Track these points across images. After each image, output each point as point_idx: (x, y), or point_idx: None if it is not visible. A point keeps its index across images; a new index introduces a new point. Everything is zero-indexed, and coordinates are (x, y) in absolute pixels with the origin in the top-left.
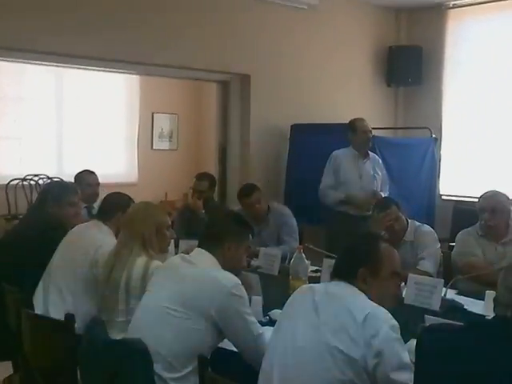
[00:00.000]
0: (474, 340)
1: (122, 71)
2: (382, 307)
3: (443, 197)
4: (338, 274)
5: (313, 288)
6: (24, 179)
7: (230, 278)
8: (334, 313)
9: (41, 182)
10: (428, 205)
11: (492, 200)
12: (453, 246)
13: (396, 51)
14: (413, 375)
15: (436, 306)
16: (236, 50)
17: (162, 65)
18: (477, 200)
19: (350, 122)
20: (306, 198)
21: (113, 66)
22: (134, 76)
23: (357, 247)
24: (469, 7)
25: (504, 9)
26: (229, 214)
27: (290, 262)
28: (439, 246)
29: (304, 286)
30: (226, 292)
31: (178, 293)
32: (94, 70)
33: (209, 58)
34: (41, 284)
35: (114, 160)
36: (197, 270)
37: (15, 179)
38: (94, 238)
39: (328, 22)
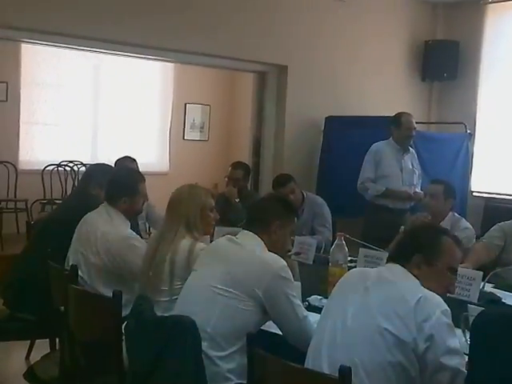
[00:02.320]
0: None
1: (159, 58)
2: (433, 292)
3: (474, 193)
4: (393, 257)
5: (365, 272)
6: (59, 165)
7: (277, 260)
8: (385, 296)
9: (75, 168)
10: (460, 201)
11: None
12: None
13: (432, 46)
14: (463, 360)
15: (474, 298)
16: (274, 41)
17: (200, 53)
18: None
19: (395, 115)
20: (339, 190)
21: (150, 53)
22: (169, 66)
23: (418, 233)
24: (508, 2)
25: None
26: (274, 197)
27: (323, 251)
28: (474, 242)
29: (356, 269)
30: (273, 273)
31: (225, 273)
32: (130, 56)
33: (247, 48)
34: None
35: (147, 149)
36: (244, 251)
37: (51, 165)
38: (100, 230)
39: (365, 14)
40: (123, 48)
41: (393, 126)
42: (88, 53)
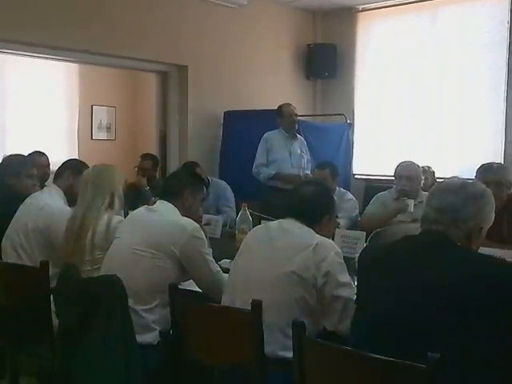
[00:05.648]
0: (407, 249)
1: (62, 58)
2: (327, 238)
3: (356, 176)
4: (299, 218)
5: (267, 225)
6: None
7: (190, 223)
8: (288, 242)
9: None
10: (344, 183)
11: (408, 168)
12: None
13: (314, 49)
14: (353, 291)
15: None
16: (174, 43)
17: (103, 54)
18: (388, 175)
19: (278, 107)
20: (238, 175)
21: (51, 53)
22: (73, 69)
23: (322, 198)
24: (375, 10)
25: (405, 12)
26: (184, 170)
27: (229, 227)
28: (357, 211)
29: (259, 225)
30: (188, 234)
31: (145, 236)
32: (30, 56)
33: (149, 49)
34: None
35: (57, 148)
36: (161, 216)
37: None
38: (39, 201)
39: (255, 21)
40: (23, 48)
41: (278, 117)
42: None
